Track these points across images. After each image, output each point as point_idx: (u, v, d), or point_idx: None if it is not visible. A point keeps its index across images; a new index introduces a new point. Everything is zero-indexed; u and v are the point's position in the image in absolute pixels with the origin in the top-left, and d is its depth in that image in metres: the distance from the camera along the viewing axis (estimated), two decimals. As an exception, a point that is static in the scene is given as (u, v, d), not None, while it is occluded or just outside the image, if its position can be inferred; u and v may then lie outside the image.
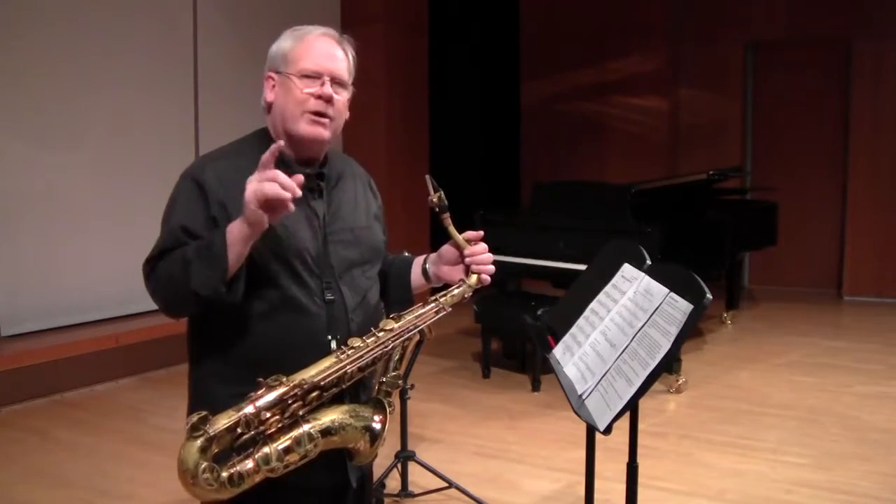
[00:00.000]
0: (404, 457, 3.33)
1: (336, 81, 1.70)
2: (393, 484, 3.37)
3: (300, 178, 1.52)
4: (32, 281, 4.89)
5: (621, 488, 2.12)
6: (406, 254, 1.98)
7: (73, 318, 5.11)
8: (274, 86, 1.72)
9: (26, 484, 3.56)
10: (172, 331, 5.17)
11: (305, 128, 1.68)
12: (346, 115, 1.78)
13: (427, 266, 1.89)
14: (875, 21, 7.15)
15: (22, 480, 3.60)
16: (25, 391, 4.62)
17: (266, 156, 1.49)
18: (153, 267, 1.61)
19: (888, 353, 5.52)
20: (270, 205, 1.48)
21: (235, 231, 1.52)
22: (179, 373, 5.15)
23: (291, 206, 1.49)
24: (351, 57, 1.76)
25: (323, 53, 1.70)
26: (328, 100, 1.68)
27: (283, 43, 1.72)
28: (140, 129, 5.37)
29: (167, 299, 1.61)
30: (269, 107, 1.74)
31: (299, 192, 1.50)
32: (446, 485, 3.31)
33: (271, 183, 1.47)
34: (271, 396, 1.50)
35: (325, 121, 1.69)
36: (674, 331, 1.73)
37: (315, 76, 1.68)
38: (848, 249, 7.41)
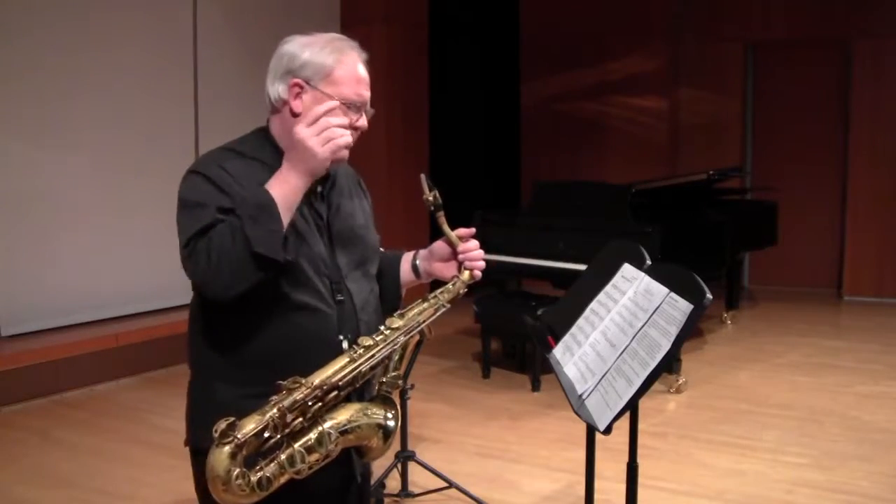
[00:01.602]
0: (404, 457, 3.33)
1: (366, 108, 1.72)
2: (393, 484, 3.37)
3: (334, 103, 1.62)
4: (32, 281, 4.88)
5: (621, 488, 2.12)
6: (406, 252, 1.98)
7: (73, 318, 5.11)
8: (300, 94, 1.66)
9: (26, 484, 3.56)
10: (172, 331, 5.19)
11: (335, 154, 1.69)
12: None
13: (417, 262, 1.91)
14: (875, 21, 7.14)
15: (22, 480, 3.60)
16: (25, 391, 4.62)
17: (321, 110, 1.58)
18: (194, 246, 1.54)
19: (888, 353, 5.52)
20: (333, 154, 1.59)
21: (289, 186, 1.57)
22: (179, 373, 5.15)
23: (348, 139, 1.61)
24: None
25: (361, 80, 1.70)
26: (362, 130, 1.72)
27: (325, 57, 1.66)
28: (140, 128, 5.37)
29: (220, 274, 1.52)
30: (293, 114, 1.67)
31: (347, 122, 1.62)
32: (446, 485, 3.31)
33: (341, 130, 1.58)
34: (293, 398, 1.50)
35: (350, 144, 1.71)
36: (674, 331, 1.73)
37: (356, 107, 1.68)
38: (848, 249, 7.41)
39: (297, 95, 1.67)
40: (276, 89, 1.69)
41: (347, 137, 1.60)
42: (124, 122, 5.29)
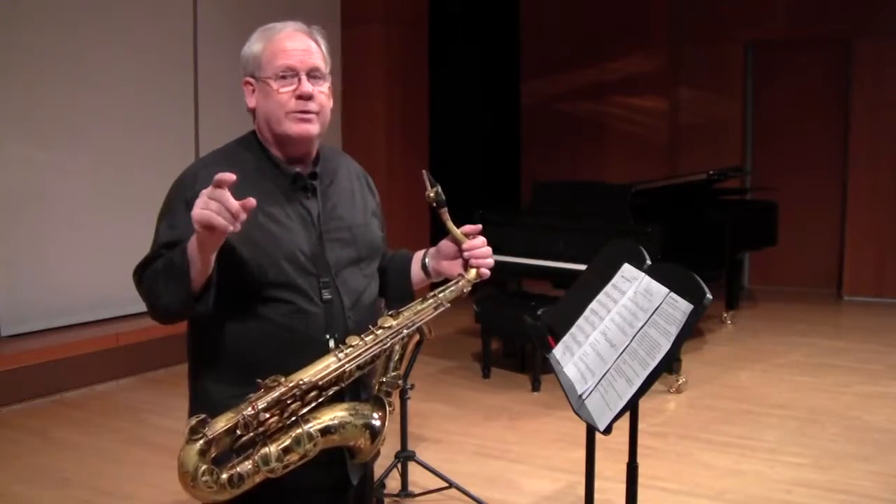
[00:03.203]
0: (404, 457, 3.33)
1: (312, 75, 1.69)
2: (393, 484, 3.37)
3: (252, 202, 1.45)
4: (32, 281, 4.89)
5: (621, 488, 2.12)
6: (417, 251, 1.97)
7: (73, 318, 5.11)
8: (253, 90, 1.71)
9: (26, 484, 3.56)
10: (172, 331, 5.11)
11: (293, 127, 1.68)
12: (331, 105, 1.76)
13: (426, 261, 1.88)
14: (875, 21, 7.14)
15: (22, 480, 3.60)
16: (25, 391, 4.62)
17: (219, 177, 1.42)
18: (140, 276, 1.63)
19: (888, 353, 5.52)
20: (210, 228, 1.43)
21: (194, 244, 1.49)
22: (179, 373, 5.14)
23: (234, 228, 1.43)
24: (323, 47, 1.75)
25: (294, 49, 1.68)
26: (308, 97, 1.68)
27: (254, 46, 1.71)
28: (140, 128, 5.37)
29: (149, 309, 1.63)
30: (252, 112, 1.74)
31: (244, 216, 1.44)
32: (446, 485, 3.31)
33: (217, 204, 1.41)
34: (270, 397, 1.50)
35: (311, 116, 1.69)
36: (674, 331, 1.73)
37: (291, 74, 1.67)
38: (848, 249, 7.41)
39: (252, 93, 1.72)
40: (245, 96, 1.75)
41: (223, 224, 1.41)
42: (124, 122, 5.29)
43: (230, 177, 1.42)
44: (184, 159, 1.84)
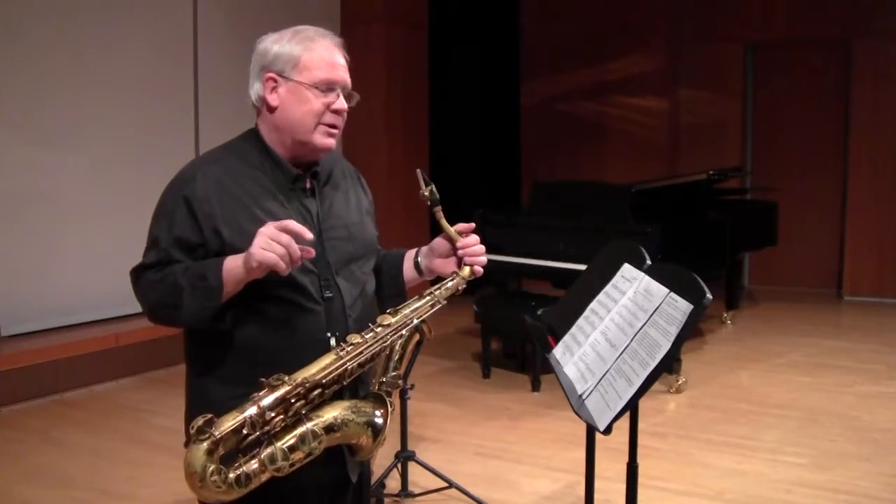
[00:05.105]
0: (404, 457, 3.33)
1: (345, 91, 1.72)
2: (393, 484, 3.37)
3: (311, 252, 1.56)
4: (32, 281, 4.89)
5: (621, 488, 2.12)
6: (409, 249, 1.98)
7: (73, 318, 5.11)
8: (275, 88, 1.69)
9: (26, 484, 3.56)
10: (172, 331, 5.12)
11: (321, 139, 1.69)
12: None
13: (419, 259, 1.89)
14: (875, 21, 7.14)
15: (22, 480, 3.60)
16: (25, 391, 4.62)
17: (290, 226, 1.51)
18: (139, 276, 1.65)
19: (888, 353, 5.52)
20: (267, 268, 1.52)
21: (234, 270, 1.55)
22: (179, 373, 5.12)
23: (287, 270, 1.52)
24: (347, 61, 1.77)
25: (334, 63, 1.70)
26: (343, 113, 1.71)
27: (292, 47, 1.68)
28: (140, 128, 5.37)
29: (154, 315, 1.65)
30: (270, 109, 1.70)
31: (299, 264, 1.54)
32: (446, 485, 3.31)
33: (283, 250, 1.49)
34: (274, 396, 1.50)
35: (336, 131, 1.72)
36: (674, 331, 1.73)
37: (331, 88, 1.68)
38: (848, 249, 7.41)
39: (273, 89, 1.70)
40: (255, 88, 1.72)
41: (281, 264, 1.50)
42: (124, 122, 5.30)
43: (307, 235, 1.52)
44: (184, 159, 1.84)
